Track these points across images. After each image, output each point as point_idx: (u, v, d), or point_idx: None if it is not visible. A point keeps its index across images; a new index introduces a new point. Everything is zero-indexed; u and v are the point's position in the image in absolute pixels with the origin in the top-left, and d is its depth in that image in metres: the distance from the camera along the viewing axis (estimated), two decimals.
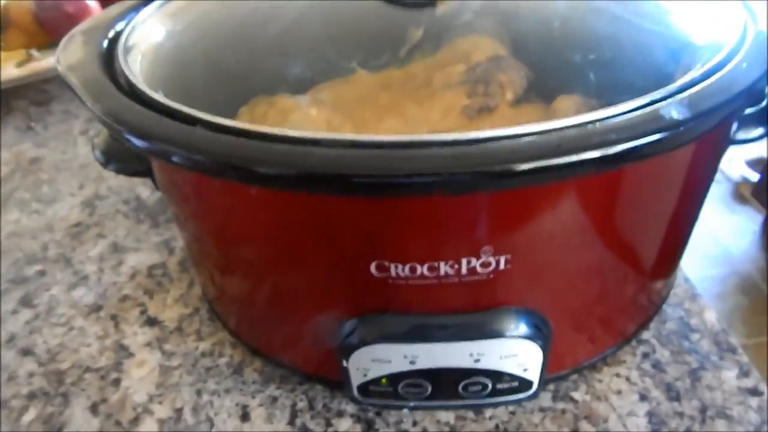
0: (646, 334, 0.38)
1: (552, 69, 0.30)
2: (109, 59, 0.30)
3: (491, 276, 0.26)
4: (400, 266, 0.25)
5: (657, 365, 0.36)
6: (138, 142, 0.24)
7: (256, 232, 0.28)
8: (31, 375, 0.38)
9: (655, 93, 0.23)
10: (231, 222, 0.28)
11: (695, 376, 0.35)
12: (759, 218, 1.71)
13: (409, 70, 0.30)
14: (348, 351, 0.29)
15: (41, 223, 0.51)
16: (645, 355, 0.36)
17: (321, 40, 0.33)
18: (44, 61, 0.68)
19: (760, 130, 0.32)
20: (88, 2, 0.68)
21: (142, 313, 0.42)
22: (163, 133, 0.23)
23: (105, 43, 0.32)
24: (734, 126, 0.31)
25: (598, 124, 0.22)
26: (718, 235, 1.67)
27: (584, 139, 0.21)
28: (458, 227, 0.24)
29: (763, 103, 0.33)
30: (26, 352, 0.40)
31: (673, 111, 0.22)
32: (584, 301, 0.31)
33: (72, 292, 0.44)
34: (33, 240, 0.49)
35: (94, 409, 0.36)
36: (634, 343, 0.37)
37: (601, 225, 0.27)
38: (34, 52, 0.70)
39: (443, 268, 0.25)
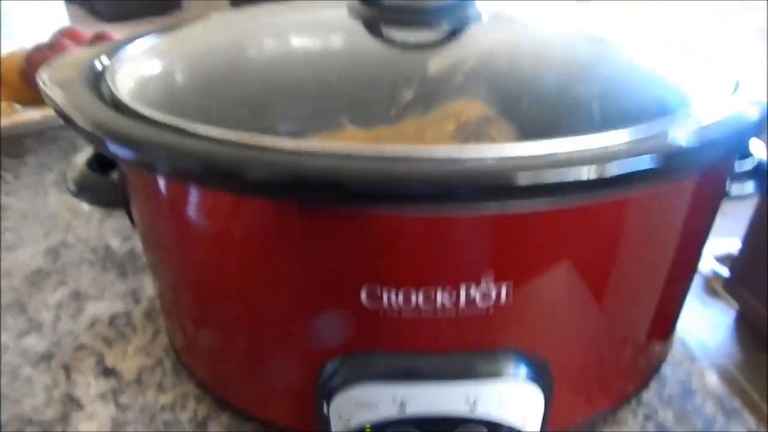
0: (646, 396, 0.35)
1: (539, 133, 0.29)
2: (96, 82, 0.29)
3: (491, 310, 0.24)
4: (393, 293, 0.23)
5: (661, 427, 0.33)
6: (128, 152, 0.23)
7: (237, 254, 0.25)
8: None
9: (660, 121, 0.23)
10: (211, 246, 0.26)
11: None
12: (732, 312, 1.72)
13: (399, 128, 0.30)
14: (330, 394, 0.26)
15: None
16: (647, 417, 0.34)
17: (312, 96, 0.32)
18: (24, 115, 0.67)
19: (750, 185, 0.32)
20: None
21: (98, 363, 0.38)
22: (155, 140, 0.22)
23: (93, 70, 0.31)
24: (728, 181, 0.31)
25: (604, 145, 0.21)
26: (694, 329, 1.67)
27: (587, 155, 0.20)
28: (457, 249, 0.23)
29: (753, 159, 0.33)
30: None
31: (680, 136, 0.22)
32: (585, 349, 0.29)
33: (23, 339, 0.40)
34: None
35: None
36: (633, 404, 0.35)
37: (606, 261, 0.26)
38: (17, 106, 0.69)
39: (440, 296, 0.23)
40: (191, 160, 0.21)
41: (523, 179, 0.20)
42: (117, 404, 0.35)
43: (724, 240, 1.88)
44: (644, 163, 0.21)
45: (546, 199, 0.22)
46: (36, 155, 0.67)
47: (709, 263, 1.91)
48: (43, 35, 0.78)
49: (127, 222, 0.54)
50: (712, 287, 1.87)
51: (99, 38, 0.76)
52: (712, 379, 0.36)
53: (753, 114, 0.25)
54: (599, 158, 0.20)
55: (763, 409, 1.35)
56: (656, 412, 0.34)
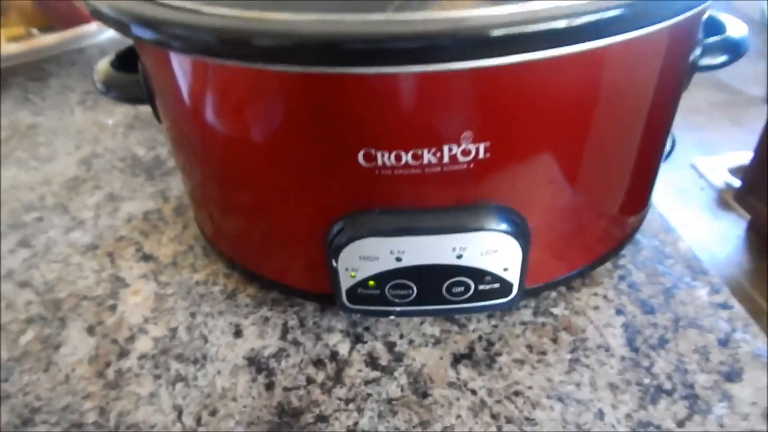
0: (622, 260, 0.39)
1: None
2: None
3: (472, 166, 0.28)
4: (386, 154, 0.27)
5: (633, 285, 0.38)
6: (150, 32, 0.26)
7: (251, 128, 0.29)
8: (29, 303, 0.39)
9: None
10: (228, 121, 0.30)
11: (669, 294, 0.37)
12: (743, 223, 1.75)
13: None
14: (337, 250, 0.30)
15: (39, 178, 0.52)
16: (621, 277, 0.38)
17: None
18: (42, 39, 0.70)
19: (723, 57, 0.35)
20: None
21: (138, 250, 0.43)
22: (171, 19, 0.25)
23: None
24: (698, 52, 0.34)
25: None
26: (704, 241, 1.70)
27: (556, 11, 0.23)
28: (440, 109, 0.26)
29: (725, 33, 0.35)
30: (24, 285, 0.41)
31: None
32: (559, 209, 0.33)
33: (69, 234, 0.45)
34: (30, 191, 0.50)
35: (90, 330, 0.37)
36: (610, 266, 0.39)
37: (577, 115, 0.29)
38: (34, 31, 0.72)
39: (426, 156, 0.27)
40: (207, 33, 0.24)
41: (498, 32, 0.23)
42: (158, 282, 0.40)
43: (737, 153, 1.87)
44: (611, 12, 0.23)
45: (519, 53, 0.24)
46: (57, 77, 0.70)
47: (721, 175, 1.91)
48: None
49: (149, 133, 0.58)
50: (723, 200, 1.88)
51: None
52: (683, 246, 0.40)
53: None
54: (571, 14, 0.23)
55: None
56: (630, 273, 0.39)
